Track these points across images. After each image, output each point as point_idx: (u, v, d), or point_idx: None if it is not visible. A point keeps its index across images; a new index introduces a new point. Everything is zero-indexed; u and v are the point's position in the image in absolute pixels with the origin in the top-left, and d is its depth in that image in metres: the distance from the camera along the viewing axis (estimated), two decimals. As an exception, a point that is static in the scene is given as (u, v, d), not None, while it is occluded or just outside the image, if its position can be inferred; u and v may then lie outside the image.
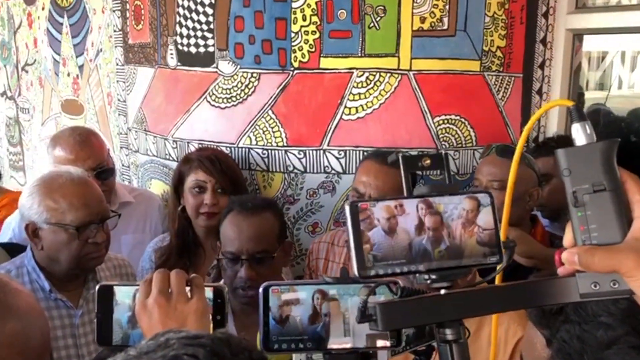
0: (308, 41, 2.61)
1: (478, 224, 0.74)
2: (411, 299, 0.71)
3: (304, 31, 2.61)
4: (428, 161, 0.73)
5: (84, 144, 2.60)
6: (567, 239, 0.73)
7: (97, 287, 1.06)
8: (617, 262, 0.68)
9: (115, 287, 1.06)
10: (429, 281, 0.71)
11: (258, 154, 2.71)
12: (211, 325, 1.03)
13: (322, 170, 2.67)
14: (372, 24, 2.58)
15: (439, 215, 0.72)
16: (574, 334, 0.89)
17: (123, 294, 1.06)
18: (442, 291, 0.71)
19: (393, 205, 0.71)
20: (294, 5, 2.59)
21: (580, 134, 0.73)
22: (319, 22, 2.59)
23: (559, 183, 2.57)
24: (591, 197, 0.71)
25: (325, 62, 2.62)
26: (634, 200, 0.70)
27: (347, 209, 0.70)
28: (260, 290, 0.91)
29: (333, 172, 2.66)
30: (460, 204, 0.73)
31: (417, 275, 0.71)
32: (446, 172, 0.73)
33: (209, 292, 1.05)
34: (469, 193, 0.74)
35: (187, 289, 1.03)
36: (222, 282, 2.06)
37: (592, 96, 3.61)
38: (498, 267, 0.75)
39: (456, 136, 2.71)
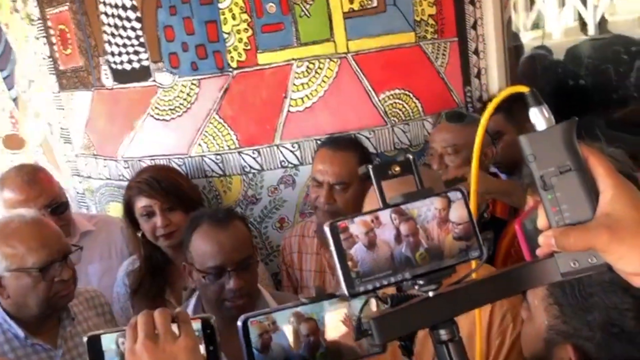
0: (242, 40, 2.59)
1: (451, 220, 0.75)
2: (402, 308, 0.72)
3: (236, 30, 2.58)
4: (398, 168, 0.74)
5: (33, 183, 2.53)
6: (541, 221, 0.75)
7: (85, 339, 1.04)
8: (591, 240, 0.71)
9: (102, 336, 1.05)
10: (416, 287, 0.72)
11: (212, 160, 2.68)
12: (204, 357, 1.02)
13: (279, 166, 2.66)
14: (302, 13, 2.57)
15: (413, 220, 0.73)
16: None
17: (108, 341, 1.04)
18: (430, 294, 0.72)
19: (369, 219, 0.72)
20: (221, 6, 2.56)
21: (539, 119, 0.75)
22: (249, 19, 2.57)
23: (509, 139, 2.66)
24: (559, 179, 0.73)
25: (262, 58, 2.61)
26: (597, 174, 0.73)
27: (327, 230, 0.71)
28: (239, 324, 0.90)
29: (290, 165, 2.66)
30: (432, 204, 0.75)
31: (404, 283, 0.72)
32: (417, 177, 0.74)
33: (196, 324, 1.04)
34: (440, 193, 0.75)
35: (174, 325, 1.02)
36: (193, 300, 2.05)
37: (529, 36, 3.67)
38: (475, 262, 0.76)
39: (403, 110, 2.74)
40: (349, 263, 0.70)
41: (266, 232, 2.74)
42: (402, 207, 0.73)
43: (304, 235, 2.55)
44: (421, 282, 0.72)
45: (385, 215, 0.72)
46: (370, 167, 0.74)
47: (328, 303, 0.91)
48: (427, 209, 0.74)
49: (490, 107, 0.82)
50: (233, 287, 1.86)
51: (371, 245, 0.71)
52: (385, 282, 0.71)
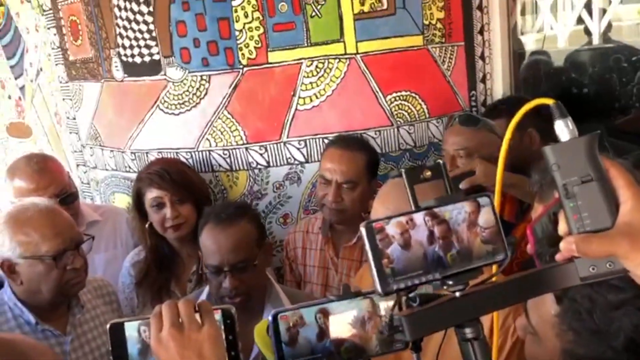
0: (253, 37, 2.62)
1: (479, 224, 0.80)
2: (431, 306, 0.76)
3: (248, 28, 2.61)
4: (429, 173, 0.78)
5: (43, 172, 2.55)
6: (562, 228, 0.80)
7: (108, 326, 1.08)
8: (612, 247, 0.75)
9: (125, 324, 1.08)
10: (444, 287, 0.76)
11: (219, 155, 2.72)
12: (225, 346, 1.07)
13: (285, 162, 2.70)
14: (314, 13, 2.61)
15: (447, 223, 0.77)
16: (585, 294, 0.92)
17: (130, 329, 1.08)
18: (457, 294, 0.77)
19: (404, 220, 0.76)
20: (234, 3, 2.59)
21: (563, 130, 0.79)
22: (261, 18, 2.60)
23: (512, 143, 2.71)
24: (580, 188, 0.77)
25: (273, 56, 2.64)
26: (618, 185, 0.77)
27: (362, 230, 0.75)
28: (270, 318, 0.93)
29: (296, 162, 2.70)
30: (463, 208, 0.79)
31: (434, 282, 0.76)
32: (447, 182, 0.78)
33: (217, 315, 1.08)
34: (470, 198, 0.79)
35: (197, 315, 1.06)
36: (206, 288, 2.09)
37: (531, 39, 3.71)
38: (495, 268, 0.80)
39: (409, 111, 2.78)
40: (385, 261, 0.74)
41: (270, 227, 2.77)
42: (435, 210, 0.77)
43: (309, 231, 2.59)
44: (450, 282, 0.76)
45: (419, 217, 0.77)
46: (403, 171, 0.79)
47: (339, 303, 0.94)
48: (457, 212, 0.78)
49: (517, 116, 0.87)
50: (227, 287, 1.90)
51: (406, 245, 0.75)
52: (416, 281, 0.75)
